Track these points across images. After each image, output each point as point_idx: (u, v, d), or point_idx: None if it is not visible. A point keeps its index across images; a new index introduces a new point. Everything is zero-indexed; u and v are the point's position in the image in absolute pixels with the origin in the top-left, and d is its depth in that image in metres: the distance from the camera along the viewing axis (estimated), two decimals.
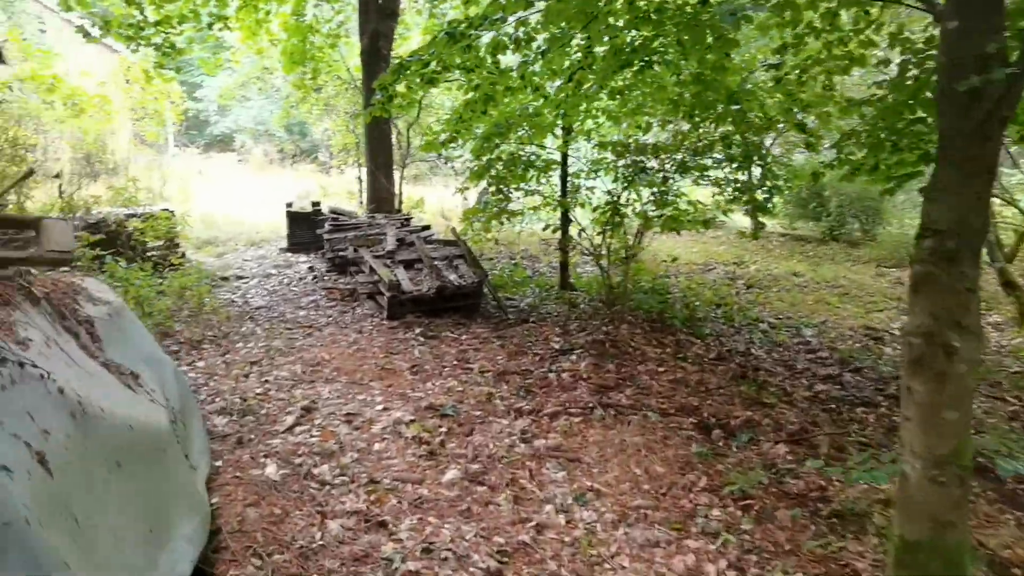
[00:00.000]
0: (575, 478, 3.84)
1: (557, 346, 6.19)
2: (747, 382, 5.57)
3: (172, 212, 9.19)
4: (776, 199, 7.24)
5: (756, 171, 7.16)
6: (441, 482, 3.72)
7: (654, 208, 6.73)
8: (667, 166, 7.09)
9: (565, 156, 8.72)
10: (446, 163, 13.43)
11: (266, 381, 5.14)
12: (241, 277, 8.96)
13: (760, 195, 6.94)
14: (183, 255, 9.01)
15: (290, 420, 4.43)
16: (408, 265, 7.60)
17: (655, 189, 6.96)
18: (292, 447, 4.05)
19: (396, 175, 11.95)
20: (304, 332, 6.49)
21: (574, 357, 5.88)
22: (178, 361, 5.52)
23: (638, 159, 7.13)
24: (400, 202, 12.12)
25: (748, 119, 6.31)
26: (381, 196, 10.89)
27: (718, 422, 4.70)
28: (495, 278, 8.60)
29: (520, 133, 7.57)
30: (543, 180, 7.84)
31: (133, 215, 8.32)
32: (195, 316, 6.59)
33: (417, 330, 6.63)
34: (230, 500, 3.26)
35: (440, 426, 4.42)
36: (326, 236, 8.80)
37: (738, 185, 6.94)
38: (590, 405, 4.79)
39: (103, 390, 2.48)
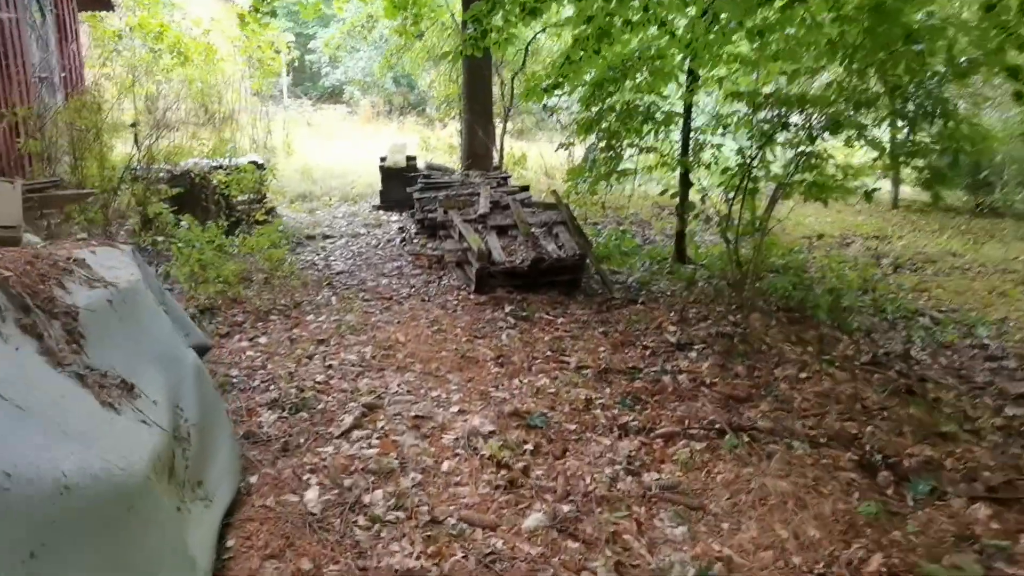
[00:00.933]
0: (698, 537, 2.89)
1: (672, 338, 5.16)
2: (915, 400, 4.37)
3: (262, 164, 8.74)
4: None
5: (933, 129, 5.74)
6: (521, 529, 2.87)
7: (795, 171, 5.50)
8: (814, 121, 5.78)
9: (688, 108, 7.50)
10: (551, 116, 12.37)
11: (330, 366, 4.45)
12: (328, 236, 8.41)
13: (938, 161, 5.55)
14: (271, 210, 8.56)
15: (349, 421, 3.71)
16: (501, 231, 6.73)
17: (801, 148, 5.69)
18: (345, 460, 3.32)
19: (497, 130, 11.04)
20: (382, 305, 5.79)
21: (694, 354, 4.85)
22: (240, 335, 4.95)
23: (779, 112, 5.85)
24: (500, 159, 11.24)
25: (930, 64, 4.97)
26: (477, 152, 10.03)
27: (885, 460, 3.59)
28: (599, 247, 7.60)
29: (638, 79, 6.48)
30: (661, 135, 6.72)
31: (219, 167, 7.89)
32: (269, 281, 6.03)
33: (507, 308, 5.78)
34: (248, 547, 2.54)
35: (525, 442, 3.57)
36: (416, 195, 8.07)
37: (911, 147, 5.56)
38: (716, 425, 3.78)
39: (41, 430, 1.75)
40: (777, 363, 4.72)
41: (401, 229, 8.76)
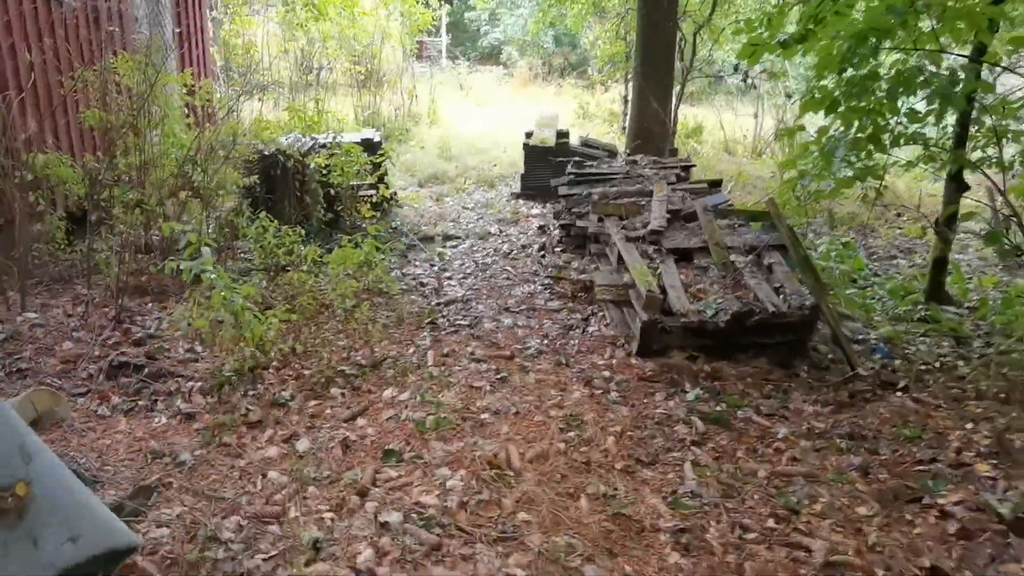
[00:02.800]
0: None
1: (995, 498, 2.80)
2: None
3: (378, 143, 7.08)
4: None
5: None
6: None
7: None
8: None
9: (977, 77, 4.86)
10: (745, 79, 9.73)
11: (385, 525, 2.60)
12: (450, 237, 6.63)
13: None
14: (388, 200, 6.89)
15: None
16: (685, 256, 4.57)
17: None
18: None
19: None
20: (496, 371, 3.86)
21: None
22: (273, 429, 3.23)
23: None
24: (673, 134, 8.88)
25: None
26: (648, 127, 7.76)
27: None
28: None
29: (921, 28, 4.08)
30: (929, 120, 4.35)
31: (323, 146, 6.30)
32: (348, 321, 4.29)
33: (689, 393, 3.67)
34: None
35: None
36: (562, 191, 6.01)
37: None
38: None
39: None
40: None
41: (542, 230, 6.79)
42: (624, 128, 13.51)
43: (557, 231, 6.38)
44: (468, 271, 5.64)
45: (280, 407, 3.39)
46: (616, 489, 2.86)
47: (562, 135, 8.27)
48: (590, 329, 4.47)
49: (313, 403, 3.43)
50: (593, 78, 20.03)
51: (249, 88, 11.67)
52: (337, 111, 12.64)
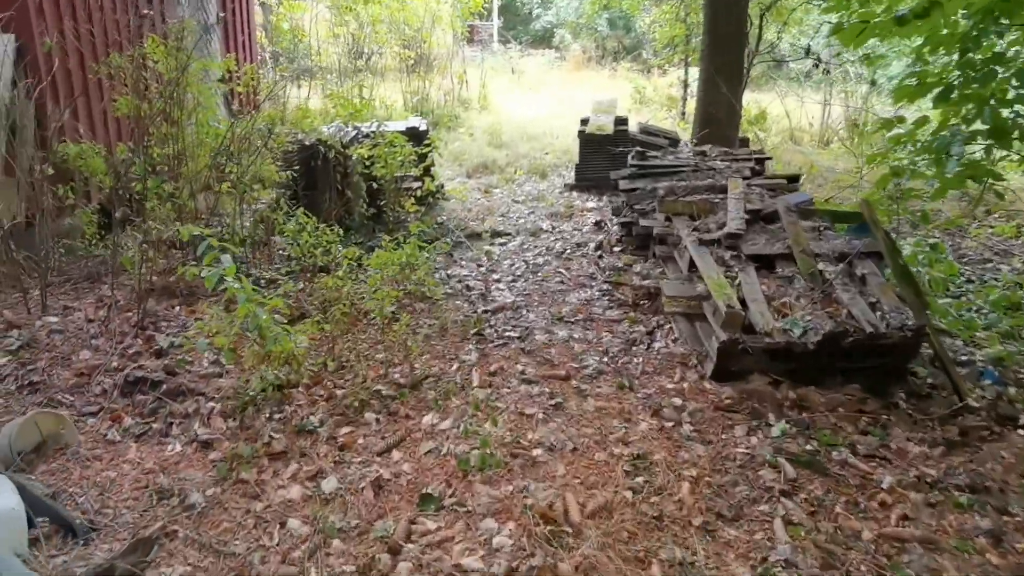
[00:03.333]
0: None
1: None
2: None
3: (424, 132, 6.67)
4: None
5: None
6: None
7: None
8: None
9: None
10: (818, 63, 8.95)
11: None
12: (499, 234, 6.18)
13: None
14: (435, 193, 6.48)
15: None
16: (767, 264, 4.03)
17: None
18: None
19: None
20: (550, 396, 3.41)
21: None
22: (299, 463, 2.86)
23: None
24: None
25: None
26: (716, 115, 7.16)
27: None
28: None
29: None
30: None
31: (365, 135, 5.92)
32: (386, 332, 3.90)
33: (775, 426, 3.16)
34: None
35: None
36: (623, 185, 5.48)
37: None
38: None
39: None
40: None
41: (598, 226, 6.29)
42: (683, 114, 12.81)
43: (616, 227, 5.88)
44: (518, 273, 5.20)
45: (307, 435, 3.01)
46: (695, 554, 2.39)
47: (620, 122, 7.72)
48: (656, 345, 3.97)
49: (344, 430, 3.05)
50: (650, 62, 19.24)
51: (294, 73, 11.45)
52: (385, 97, 12.33)
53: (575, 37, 23.31)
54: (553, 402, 3.32)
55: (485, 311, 4.42)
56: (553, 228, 6.35)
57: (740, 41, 7.03)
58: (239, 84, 6.40)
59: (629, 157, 6.08)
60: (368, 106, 5.82)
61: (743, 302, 3.69)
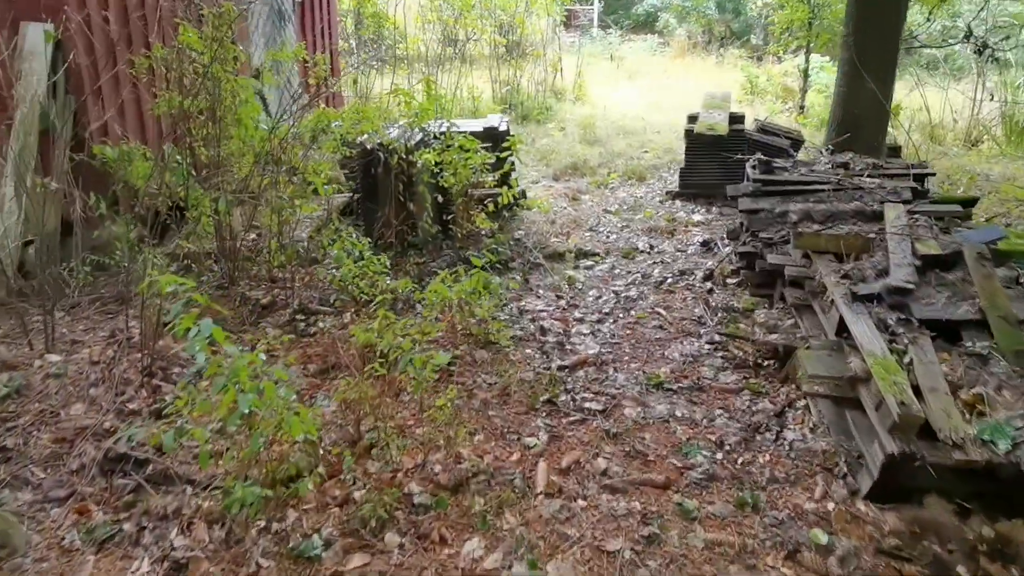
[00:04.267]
0: None
1: None
2: None
3: (504, 133, 5.81)
4: None
5: None
6: None
7: None
8: None
9: None
10: (982, 49, 7.42)
11: None
12: (585, 254, 5.25)
13: None
14: (507, 207, 5.58)
15: None
16: (946, 333, 2.93)
17: None
18: None
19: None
20: (639, 515, 2.49)
21: None
22: None
23: None
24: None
25: None
26: (860, 115, 5.89)
27: None
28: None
29: None
30: None
31: (435, 137, 5.11)
32: (422, 405, 3.06)
33: None
34: None
35: None
36: (743, 204, 4.40)
37: None
38: None
39: None
40: None
41: (706, 247, 5.25)
42: (802, 108, 11.38)
43: (729, 250, 4.83)
44: (605, 310, 4.26)
45: (307, 564, 2.23)
46: None
47: (735, 119, 6.59)
48: (788, 435, 2.95)
49: (355, 562, 2.24)
50: (762, 48, 17.60)
51: (373, 60, 10.82)
52: (474, 87, 11.56)
53: (680, 21, 21.81)
54: (647, 531, 2.39)
55: (562, 367, 3.52)
56: (651, 248, 5.36)
57: (896, 24, 5.72)
58: (312, 76, 5.77)
59: (748, 167, 4.99)
60: (433, 103, 4.96)
61: (916, 389, 2.63)
